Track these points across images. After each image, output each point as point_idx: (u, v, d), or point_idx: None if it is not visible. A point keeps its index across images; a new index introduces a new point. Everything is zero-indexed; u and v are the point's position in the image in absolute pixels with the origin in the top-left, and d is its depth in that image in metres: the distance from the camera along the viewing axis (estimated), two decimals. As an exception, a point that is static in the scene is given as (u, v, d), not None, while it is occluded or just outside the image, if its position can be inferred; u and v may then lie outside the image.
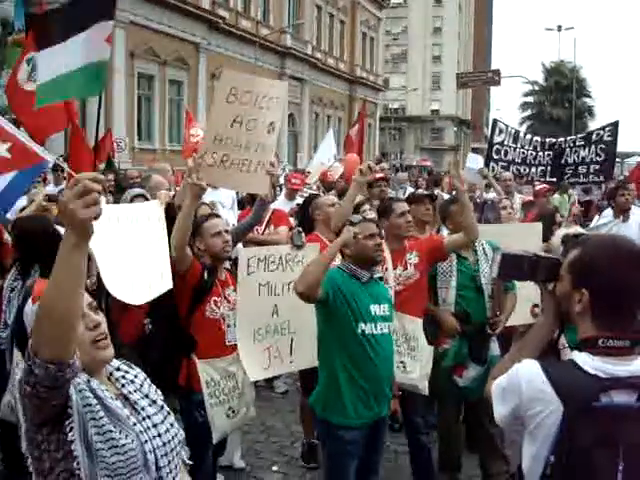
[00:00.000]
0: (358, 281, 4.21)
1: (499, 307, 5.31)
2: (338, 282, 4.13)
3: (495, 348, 5.24)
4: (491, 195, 9.73)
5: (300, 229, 5.28)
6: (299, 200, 8.34)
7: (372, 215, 5.64)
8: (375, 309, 4.17)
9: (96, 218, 1.87)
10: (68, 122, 7.33)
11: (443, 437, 5.51)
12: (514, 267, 2.41)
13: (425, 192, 7.98)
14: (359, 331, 4.08)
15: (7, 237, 5.39)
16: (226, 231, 4.60)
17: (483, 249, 5.32)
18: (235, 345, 4.54)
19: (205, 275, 4.46)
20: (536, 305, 6.02)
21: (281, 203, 8.57)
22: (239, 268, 4.70)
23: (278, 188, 9.37)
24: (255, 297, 4.76)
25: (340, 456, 4.16)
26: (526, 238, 5.78)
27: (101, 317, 2.36)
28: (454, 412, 5.59)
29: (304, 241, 5.11)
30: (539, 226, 6.30)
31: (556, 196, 10.81)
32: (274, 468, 5.86)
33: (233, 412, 4.53)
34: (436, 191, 12.52)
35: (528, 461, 2.14)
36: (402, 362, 4.94)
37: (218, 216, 4.99)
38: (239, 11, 39.70)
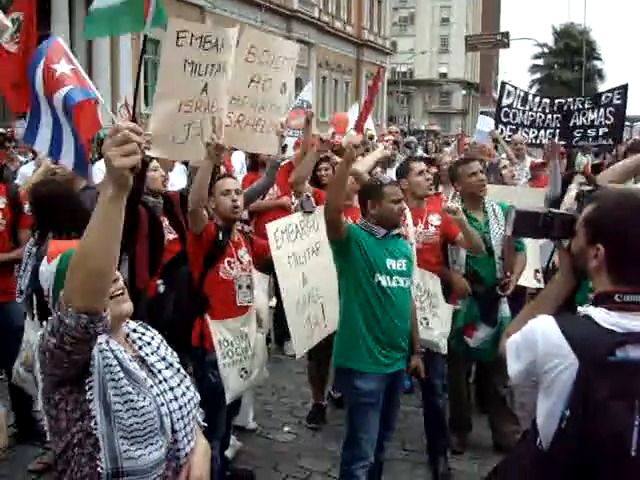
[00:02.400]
0: (373, 237, 4.25)
1: (509, 268, 5.30)
2: (358, 234, 4.20)
3: (505, 309, 5.25)
4: (503, 156, 9.68)
5: (309, 194, 5.26)
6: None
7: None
8: (391, 263, 4.21)
9: (133, 170, 1.90)
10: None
11: (453, 398, 5.53)
12: (529, 224, 2.39)
13: (425, 155, 7.99)
14: (375, 282, 4.14)
15: (27, 207, 5.34)
16: (237, 192, 4.54)
17: (493, 210, 5.29)
18: (247, 306, 4.55)
19: (220, 236, 4.45)
20: (537, 270, 6.04)
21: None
22: (270, 244, 4.75)
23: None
24: (288, 270, 4.84)
25: (361, 406, 4.22)
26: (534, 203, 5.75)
27: (118, 272, 2.35)
28: (464, 373, 5.64)
29: (314, 206, 5.10)
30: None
31: (582, 158, 10.69)
32: (285, 429, 5.93)
33: (246, 372, 4.55)
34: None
35: (543, 417, 2.14)
36: (425, 318, 4.99)
37: (234, 178, 4.97)
38: (244, -27, 39.18)
